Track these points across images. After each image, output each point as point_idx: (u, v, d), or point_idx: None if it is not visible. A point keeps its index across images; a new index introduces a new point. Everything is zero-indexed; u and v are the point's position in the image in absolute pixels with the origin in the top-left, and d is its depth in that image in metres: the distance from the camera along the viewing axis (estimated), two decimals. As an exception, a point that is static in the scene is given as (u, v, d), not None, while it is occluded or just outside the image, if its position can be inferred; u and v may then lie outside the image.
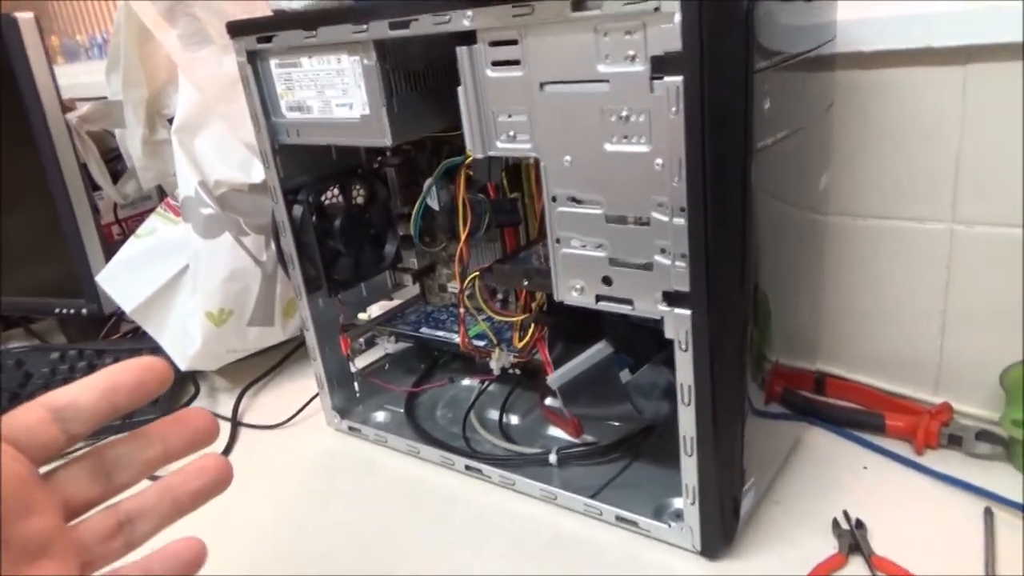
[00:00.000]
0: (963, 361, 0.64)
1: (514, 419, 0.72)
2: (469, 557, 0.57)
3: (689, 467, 0.51)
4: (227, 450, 0.74)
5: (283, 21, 0.57)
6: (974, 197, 0.59)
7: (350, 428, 0.74)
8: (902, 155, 0.61)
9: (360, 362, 0.78)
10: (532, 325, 0.60)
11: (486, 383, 0.75)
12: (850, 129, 0.62)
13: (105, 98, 0.88)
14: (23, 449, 0.30)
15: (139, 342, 0.89)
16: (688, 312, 0.46)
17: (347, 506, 0.65)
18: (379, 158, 0.72)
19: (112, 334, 1.00)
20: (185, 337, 0.78)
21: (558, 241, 0.50)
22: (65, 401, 0.31)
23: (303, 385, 0.82)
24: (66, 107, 0.87)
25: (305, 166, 0.67)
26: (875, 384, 0.69)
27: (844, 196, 0.64)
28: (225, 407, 0.81)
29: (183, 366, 0.80)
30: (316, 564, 0.58)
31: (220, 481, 0.35)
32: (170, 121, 0.79)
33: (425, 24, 0.49)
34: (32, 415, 0.30)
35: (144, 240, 0.81)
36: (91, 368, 0.86)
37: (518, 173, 0.63)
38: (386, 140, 0.56)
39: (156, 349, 0.84)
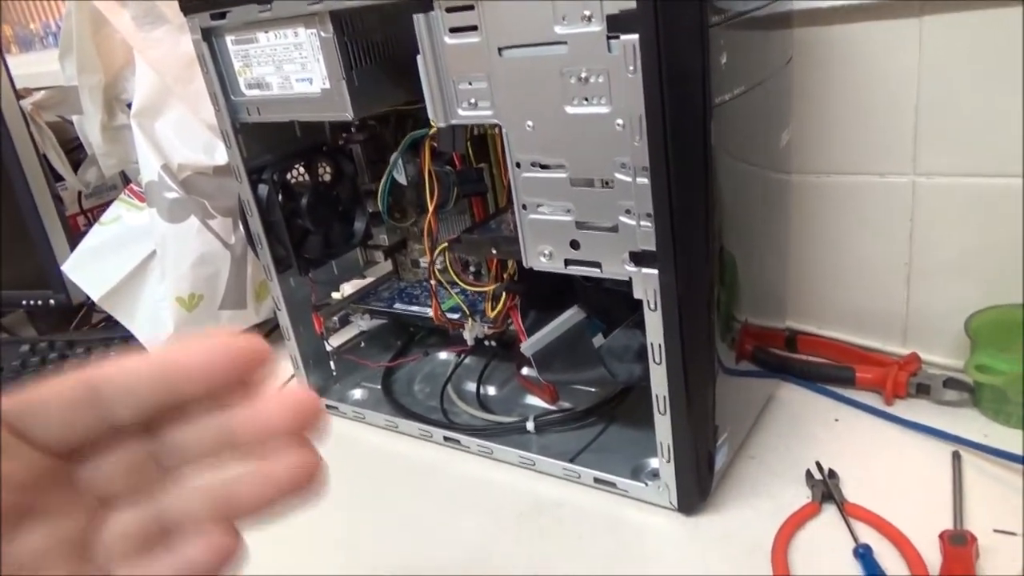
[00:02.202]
0: (929, 312, 0.65)
1: (491, 390, 0.73)
2: (450, 526, 0.57)
3: (663, 425, 0.51)
4: (205, 434, 0.74)
5: (237, -5, 0.56)
6: (934, 149, 0.60)
7: (327, 406, 0.74)
8: (862, 110, 0.61)
9: (336, 340, 0.77)
10: (503, 294, 0.60)
11: (462, 355, 0.75)
12: (810, 86, 0.62)
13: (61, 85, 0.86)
14: (47, 436, 0.24)
15: (111, 331, 0.88)
16: (655, 272, 0.46)
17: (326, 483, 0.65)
18: (344, 134, 0.71)
19: (84, 324, 0.99)
20: (156, 323, 0.78)
21: (524, 207, 0.50)
22: (107, 376, 0.24)
23: (280, 367, 0.82)
24: (20, 96, 0.85)
25: (269, 145, 0.66)
26: (845, 339, 0.70)
27: (807, 154, 0.64)
28: (201, 392, 0.81)
29: (156, 353, 0.79)
30: (296, 539, 0.59)
31: (302, 493, 0.28)
32: (129, 106, 0.78)
33: (380, -8, 0.49)
34: (64, 394, 0.24)
35: (109, 227, 0.80)
36: (63, 360, 0.86)
37: (485, 143, 0.63)
38: (348, 114, 0.56)
39: (128, 338, 0.83)
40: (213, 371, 0.25)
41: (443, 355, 0.79)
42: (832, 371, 0.66)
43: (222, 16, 0.57)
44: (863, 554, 0.48)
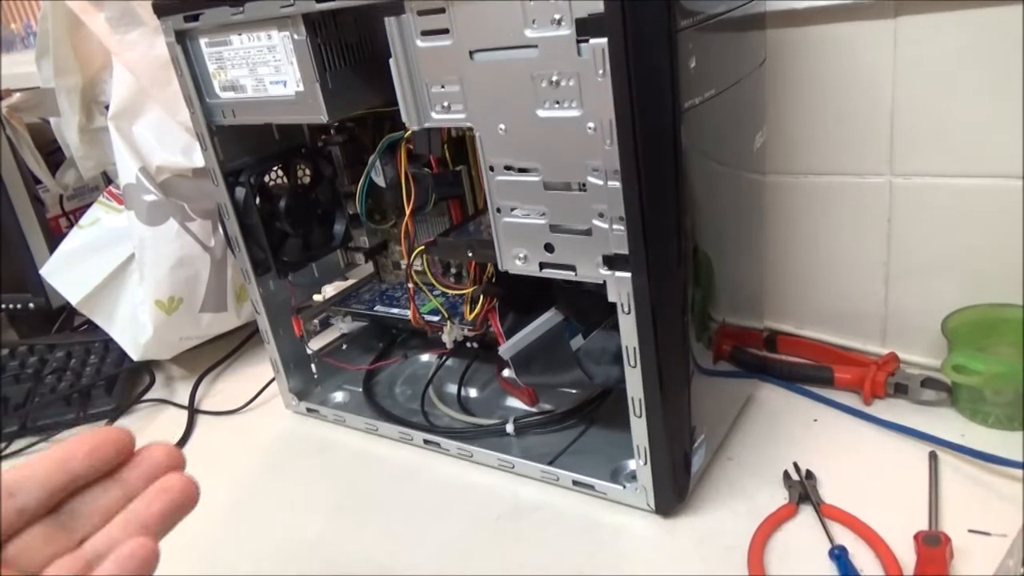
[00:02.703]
0: (908, 311, 0.66)
1: (473, 392, 0.73)
2: (427, 528, 0.57)
3: (639, 428, 0.51)
4: (184, 438, 0.74)
5: (209, -2, 0.55)
6: (910, 150, 0.60)
7: (308, 410, 0.74)
8: (838, 111, 0.61)
9: (317, 343, 0.77)
10: (481, 297, 0.60)
11: (444, 358, 0.75)
12: (785, 87, 0.62)
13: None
14: None
15: (91, 335, 0.87)
16: (628, 275, 0.46)
17: (304, 485, 0.65)
18: (323, 136, 0.71)
19: (66, 328, 0.99)
20: (136, 326, 0.77)
21: (498, 210, 0.50)
22: (17, 476, 0.30)
23: (261, 370, 0.81)
24: (2, 96, 0.84)
25: (246, 147, 0.66)
26: (824, 339, 0.70)
27: (783, 154, 0.64)
28: (182, 395, 0.80)
29: (135, 356, 0.79)
30: (276, 543, 0.58)
31: (187, 500, 0.34)
32: (107, 108, 0.77)
33: (351, -5, 0.48)
34: None
35: (87, 230, 0.80)
36: (43, 363, 0.85)
37: (464, 146, 0.62)
38: (322, 117, 0.55)
39: (108, 341, 0.83)
40: (98, 457, 0.32)
41: (425, 357, 0.79)
42: (811, 371, 0.66)
43: (195, 18, 0.57)
44: (838, 555, 0.48)
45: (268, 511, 0.62)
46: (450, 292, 0.64)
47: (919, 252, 0.63)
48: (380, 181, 0.65)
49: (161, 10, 0.58)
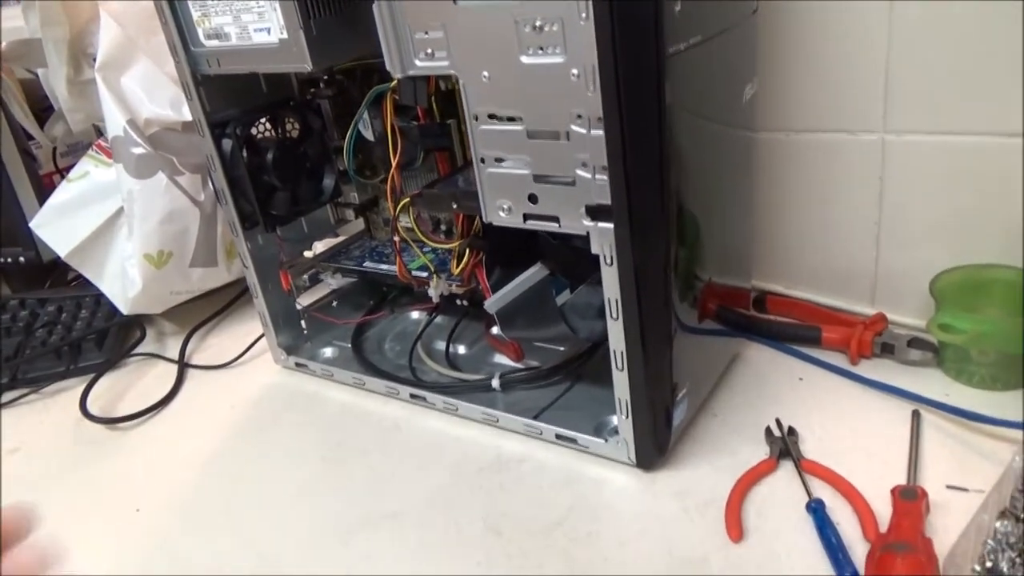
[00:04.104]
0: (898, 272, 0.65)
1: (461, 349, 0.73)
2: (412, 477, 0.58)
3: (621, 381, 0.51)
4: (173, 392, 0.74)
5: (192, -58, 0.54)
6: (904, 106, 0.59)
7: (297, 364, 0.74)
8: (832, 65, 0.60)
9: (307, 299, 0.77)
10: (467, 250, 0.60)
11: (433, 314, 0.75)
12: (777, 39, 0.61)
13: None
14: None
15: (83, 290, 0.87)
16: (611, 225, 0.46)
17: (291, 437, 0.65)
18: (312, 90, 0.70)
19: (60, 283, 0.99)
20: (125, 280, 0.77)
21: (483, 161, 0.50)
22: None
23: (253, 327, 0.81)
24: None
25: (233, 99, 0.65)
26: (814, 299, 0.70)
27: (774, 110, 0.63)
28: (173, 350, 0.81)
29: (124, 310, 0.79)
30: (260, 492, 0.59)
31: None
32: (96, 59, 0.77)
33: (334, -62, 0.47)
34: None
35: (77, 184, 0.79)
36: (33, 317, 0.85)
37: (453, 99, 0.62)
38: (306, 65, 0.55)
39: (99, 296, 0.83)
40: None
41: (415, 314, 0.79)
42: (798, 331, 0.66)
43: (178, -37, 0.56)
44: (815, 509, 0.48)
45: (253, 462, 0.63)
46: (436, 246, 0.63)
47: (911, 212, 0.62)
48: (368, 135, 0.64)
49: (144, -46, 0.57)
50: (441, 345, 0.73)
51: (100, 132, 0.93)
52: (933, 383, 0.59)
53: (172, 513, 0.58)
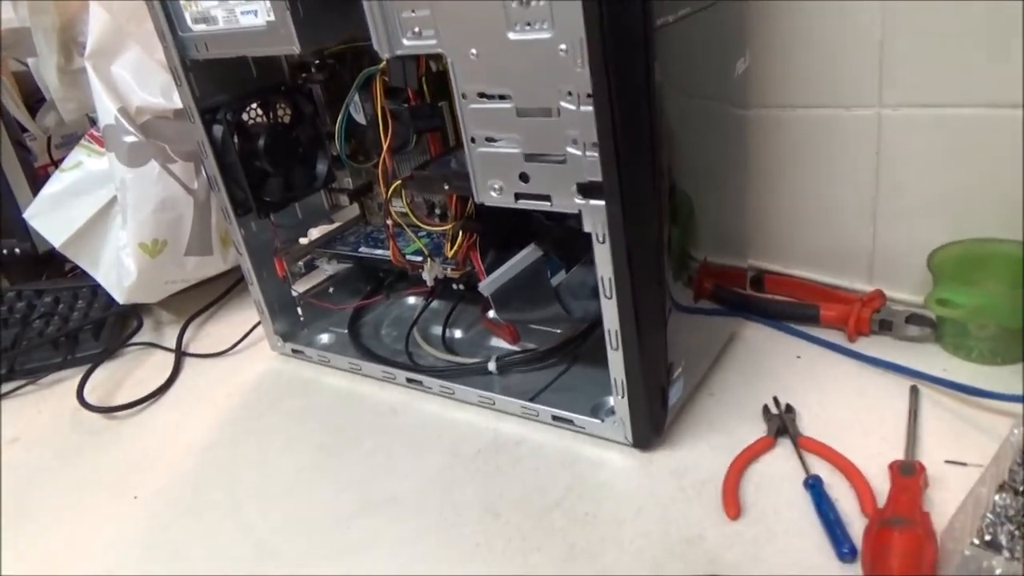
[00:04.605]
0: (896, 248, 0.65)
1: (458, 333, 0.72)
2: (407, 462, 0.58)
3: (616, 361, 0.51)
4: (170, 381, 0.74)
5: (176, -76, 0.54)
6: (899, 79, 0.58)
7: (293, 351, 0.74)
8: (825, 38, 0.60)
9: (303, 285, 0.77)
10: (460, 232, 0.59)
11: (429, 299, 0.74)
12: (769, 12, 0.60)
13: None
14: None
15: (80, 281, 0.87)
16: (602, 203, 0.45)
17: (288, 424, 0.65)
18: (303, 74, 0.69)
19: (57, 274, 0.98)
20: (120, 269, 0.77)
21: (473, 140, 0.49)
22: None
23: (250, 315, 0.81)
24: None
25: (223, 84, 0.64)
26: (812, 277, 0.70)
27: (767, 86, 0.63)
28: (170, 339, 0.81)
29: (120, 299, 0.78)
30: (258, 478, 0.59)
31: None
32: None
33: (317, -85, 0.47)
34: None
35: (70, 173, 0.79)
36: (31, 309, 0.85)
37: (445, 81, 0.61)
38: (294, 47, 0.54)
39: (96, 286, 0.83)
40: None
41: (411, 299, 0.78)
42: (796, 309, 0.66)
43: (163, -54, 0.55)
44: (813, 485, 0.48)
45: (251, 449, 0.63)
46: (430, 229, 0.63)
47: (908, 187, 0.62)
48: (360, 119, 0.64)
49: (128, -62, 0.57)
50: (437, 330, 0.72)
51: (94, 122, 0.93)
52: (931, 358, 0.59)
53: (170, 501, 0.58)
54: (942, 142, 0.59)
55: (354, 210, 0.79)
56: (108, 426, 0.69)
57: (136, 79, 0.74)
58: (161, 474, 0.61)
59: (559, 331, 0.66)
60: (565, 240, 0.57)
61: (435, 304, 0.75)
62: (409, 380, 0.65)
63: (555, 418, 0.57)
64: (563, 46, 0.42)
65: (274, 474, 0.59)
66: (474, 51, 0.46)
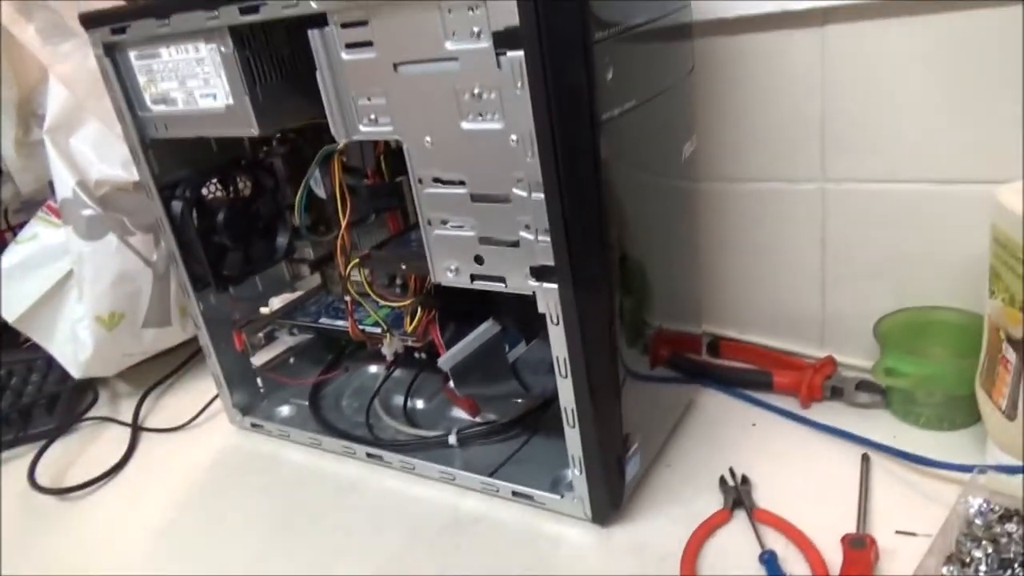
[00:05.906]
0: (844, 315, 0.67)
1: (420, 403, 0.72)
2: (368, 543, 0.57)
3: (573, 438, 0.51)
4: (125, 458, 0.72)
5: (135, 10, 0.55)
6: (841, 155, 0.61)
7: (253, 425, 0.73)
8: (769, 118, 0.62)
9: (264, 356, 0.76)
10: (419, 308, 0.60)
11: (390, 370, 0.74)
12: (716, 95, 0.63)
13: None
14: None
15: (34, 352, 0.85)
16: (555, 286, 0.46)
17: (245, 503, 0.64)
18: (264, 148, 0.70)
19: (13, 345, 0.96)
20: (76, 343, 0.76)
21: (429, 223, 0.50)
22: None
23: (209, 385, 0.80)
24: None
25: (184, 160, 0.65)
26: (766, 343, 0.71)
27: (716, 161, 0.65)
28: (126, 412, 0.79)
29: (76, 373, 0.77)
30: (212, 565, 0.57)
31: None
32: (45, 121, 0.76)
33: (274, 8, 0.48)
34: None
35: (25, 246, 0.78)
36: (-18, 383, 0.83)
37: (402, 157, 0.62)
38: (252, 130, 0.55)
39: (50, 359, 0.81)
40: None
41: (373, 369, 0.78)
42: (750, 376, 0.67)
43: (122, 31, 0.56)
44: (768, 560, 0.48)
45: (207, 530, 0.61)
46: (388, 305, 0.63)
47: (854, 257, 0.64)
48: (320, 192, 0.64)
49: (88, 22, 0.57)
50: (399, 400, 0.72)
51: (54, 190, 0.92)
52: (882, 425, 0.60)
53: (121, 587, 0.57)
54: (884, 214, 0.61)
55: (316, 280, 0.79)
56: (60, 507, 0.67)
57: (95, 152, 0.74)
58: (115, 558, 0.60)
59: (519, 401, 0.67)
60: (523, 314, 0.58)
61: (397, 372, 0.75)
62: (369, 455, 0.65)
63: (515, 494, 0.57)
64: (514, 137, 0.43)
65: (231, 557, 0.58)
66: (429, 139, 0.47)
